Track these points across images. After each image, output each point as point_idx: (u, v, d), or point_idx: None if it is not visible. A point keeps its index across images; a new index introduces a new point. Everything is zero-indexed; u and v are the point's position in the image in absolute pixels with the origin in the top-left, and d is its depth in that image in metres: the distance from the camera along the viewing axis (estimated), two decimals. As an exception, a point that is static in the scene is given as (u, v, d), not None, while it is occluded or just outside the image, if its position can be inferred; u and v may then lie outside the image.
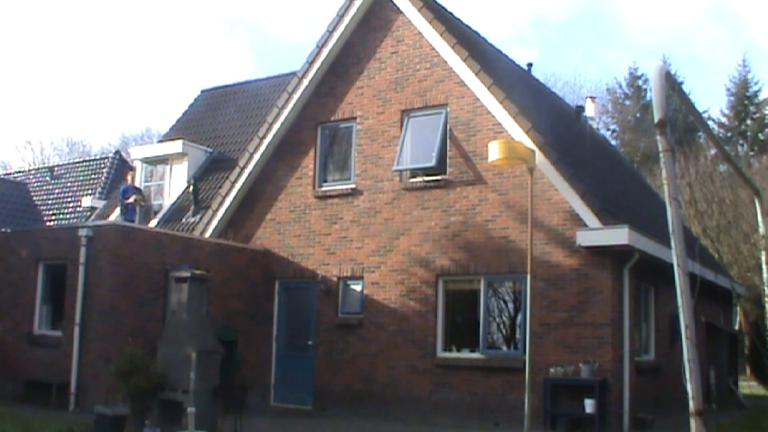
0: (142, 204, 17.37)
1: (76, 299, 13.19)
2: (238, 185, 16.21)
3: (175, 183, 19.73)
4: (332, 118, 15.64)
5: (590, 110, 21.89)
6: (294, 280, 15.65)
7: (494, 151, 11.51)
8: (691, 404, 4.42)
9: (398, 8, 14.95)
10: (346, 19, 15.40)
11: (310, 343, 15.19)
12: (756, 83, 47.45)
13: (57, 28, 72.86)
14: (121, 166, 25.24)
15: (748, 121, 46.92)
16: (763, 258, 9.55)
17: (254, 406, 13.33)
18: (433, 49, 14.40)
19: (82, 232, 13.40)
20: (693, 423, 4.41)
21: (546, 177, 12.74)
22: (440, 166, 14.05)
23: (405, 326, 14.00)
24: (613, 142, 41.31)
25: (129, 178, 18.14)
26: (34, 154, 49.93)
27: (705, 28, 64.96)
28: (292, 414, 14.36)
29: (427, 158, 14.11)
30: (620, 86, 49.58)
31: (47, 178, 26.35)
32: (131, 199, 16.88)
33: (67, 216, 23.77)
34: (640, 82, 48.56)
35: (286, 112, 15.83)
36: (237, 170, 16.32)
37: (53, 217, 23.93)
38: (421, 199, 14.23)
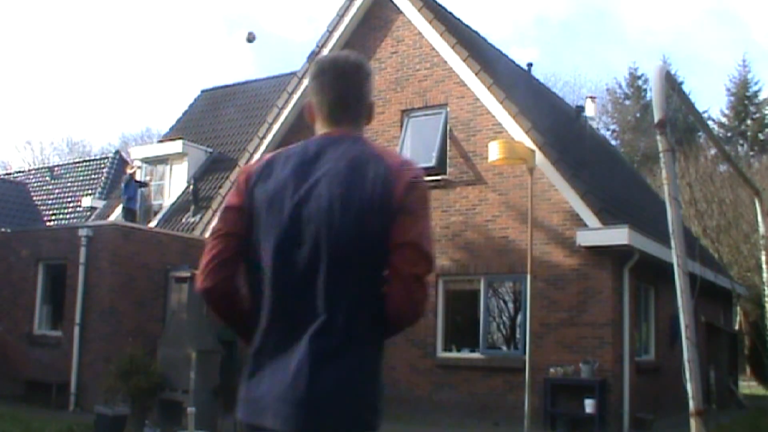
0: (141, 182, 17.78)
1: (76, 299, 13.19)
2: (238, 185, 16.19)
3: (175, 183, 19.74)
4: (332, 118, 15.62)
5: (590, 110, 21.85)
6: (294, 280, 15.62)
7: (494, 151, 11.50)
8: (691, 404, 4.41)
9: (398, 8, 14.95)
10: (346, 19, 15.39)
11: (310, 343, 15.16)
12: (756, 83, 47.43)
13: (57, 28, 72.86)
14: (121, 166, 25.24)
15: (748, 121, 46.90)
16: (763, 258, 9.53)
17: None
18: (433, 49, 14.40)
19: (82, 232, 13.40)
20: (693, 423, 4.41)
21: (546, 177, 12.74)
22: (440, 166, 14.04)
23: (405, 326, 13.97)
24: (613, 142, 41.28)
25: (128, 170, 18.35)
26: (34, 154, 49.93)
27: (705, 29, 64.96)
28: (292, 414, 14.33)
29: (427, 158, 14.09)
30: (620, 86, 49.56)
31: (47, 178, 26.34)
32: (129, 170, 17.36)
33: (67, 216, 23.75)
34: (640, 82, 48.50)
35: (286, 112, 15.83)
36: (237, 170, 16.32)
37: (53, 217, 23.92)
38: (421, 199, 14.20)
